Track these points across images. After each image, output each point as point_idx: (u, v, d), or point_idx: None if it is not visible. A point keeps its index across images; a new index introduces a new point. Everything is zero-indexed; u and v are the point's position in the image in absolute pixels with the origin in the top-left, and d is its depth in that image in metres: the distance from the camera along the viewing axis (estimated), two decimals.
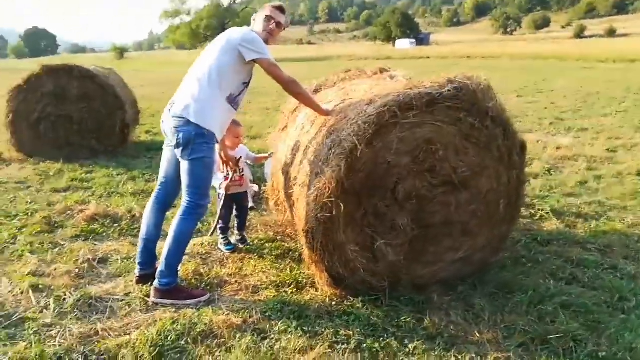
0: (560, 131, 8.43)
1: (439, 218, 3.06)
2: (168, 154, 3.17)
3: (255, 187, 5.09)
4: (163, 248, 3.02)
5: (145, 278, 3.14)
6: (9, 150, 6.68)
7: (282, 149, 3.77)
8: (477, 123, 2.90)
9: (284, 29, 3.35)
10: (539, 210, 4.54)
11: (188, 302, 2.98)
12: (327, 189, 2.72)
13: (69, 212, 4.45)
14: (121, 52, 60.88)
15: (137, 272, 3.18)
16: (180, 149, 2.94)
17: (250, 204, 4.76)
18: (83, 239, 3.89)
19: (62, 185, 5.34)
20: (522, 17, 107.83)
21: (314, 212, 2.80)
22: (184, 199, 3.05)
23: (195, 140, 2.91)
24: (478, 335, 2.68)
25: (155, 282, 3.00)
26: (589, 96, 12.96)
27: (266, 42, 3.12)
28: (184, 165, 2.99)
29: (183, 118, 2.91)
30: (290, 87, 3.10)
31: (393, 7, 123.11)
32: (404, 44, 71.59)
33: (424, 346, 2.56)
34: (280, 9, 3.26)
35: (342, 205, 2.78)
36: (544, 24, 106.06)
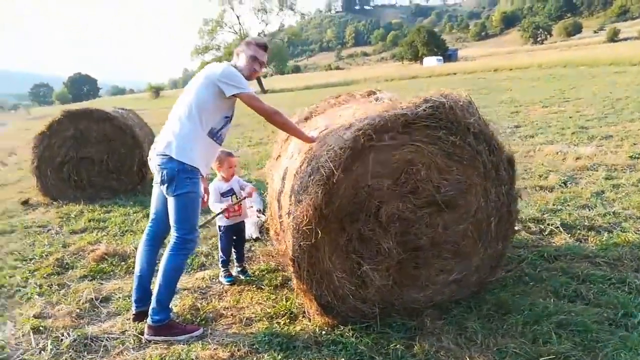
0: (582, 140, 8.16)
1: (426, 240, 3.00)
2: (157, 191, 3.25)
3: (263, 217, 5.16)
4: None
5: (142, 315, 3.19)
6: (36, 195, 7.01)
7: (276, 177, 3.82)
8: (458, 140, 2.87)
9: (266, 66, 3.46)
10: (548, 224, 4.39)
11: (180, 337, 3.01)
12: (306, 217, 2.73)
13: (81, 252, 4.62)
14: (157, 90, 63.11)
15: (133, 309, 3.25)
16: (165, 185, 3.02)
17: (256, 235, 4.82)
18: (90, 278, 4.02)
19: (79, 226, 5.55)
20: (552, 25, 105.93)
21: (297, 240, 2.82)
22: (172, 234, 3.11)
23: (179, 175, 2.98)
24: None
25: (148, 320, 3.05)
26: (617, 102, 12.52)
27: (248, 79, 3.21)
28: (170, 202, 3.06)
29: (166, 155, 3.00)
30: (273, 117, 3.15)
31: (419, 25, 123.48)
32: (431, 62, 71.33)
33: None
34: (265, 48, 3.34)
35: (322, 232, 2.78)
36: (576, 30, 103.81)
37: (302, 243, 2.78)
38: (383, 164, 2.84)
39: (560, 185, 5.60)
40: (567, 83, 19.62)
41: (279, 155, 3.98)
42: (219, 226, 3.84)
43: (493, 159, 2.97)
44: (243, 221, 3.96)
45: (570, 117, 10.78)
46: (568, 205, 4.90)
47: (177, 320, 3.19)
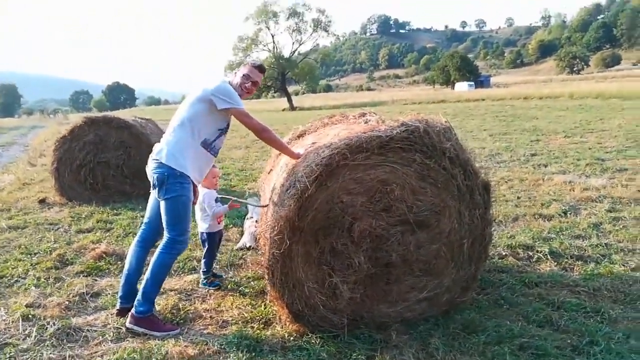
0: (595, 172, 8.06)
1: (397, 257, 3.09)
2: (152, 196, 3.44)
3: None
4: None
5: (125, 312, 3.35)
6: (54, 195, 7.35)
7: (267, 190, 3.97)
8: (432, 164, 2.97)
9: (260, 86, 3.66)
10: (537, 252, 4.40)
11: (156, 333, 3.16)
12: (279, 227, 2.86)
13: (82, 250, 4.84)
14: None
15: (117, 305, 3.41)
16: (157, 189, 3.22)
17: (250, 244, 4.97)
18: (86, 274, 4.22)
19: (87, 226, 5.81)
20: (590, 55, 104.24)
21: (271, 249, 2.95)
22: (164, 235, 3.29)
23: (168, 180, 3.17)
24: None
25: (133, 309, 3.21)
26: None
27: (240, 96, 3.39)
28: (162, 205, 3.25)
29: (157, 160, 3.21)
30: (262, 134, 3.33)
31: (453, 50, 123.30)
32: (463, 87, 71.09)
33: None
34: (260, 69, 3.56)
35: (295, 243, 2.91)
36: (614, 61, 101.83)
37: (275, 252, 2.91)
38: (358, 181, 2.95)
39: (559, 215, 5.57)
40: (595, 114, 19.31)
41: (271, 170, 4.14)
42: (202, 233, 3.99)
43: (468, 183, 3.06)
44: (220, 231, 4.09)
45: (589, 149, 10.65)
46: (562, 234, 4.88)
47: (159, 318, 3.34)
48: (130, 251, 3.46)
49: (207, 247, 3.95)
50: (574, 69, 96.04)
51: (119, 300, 3.41)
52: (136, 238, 3.50)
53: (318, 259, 3.04)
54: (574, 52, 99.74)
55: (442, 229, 3.15)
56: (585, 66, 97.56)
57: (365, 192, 2.99)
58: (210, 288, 3.92)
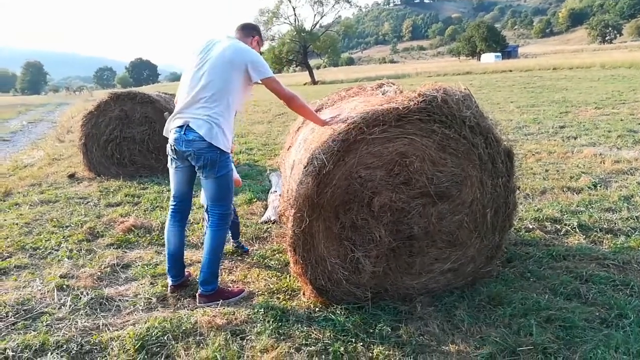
0: (627, 144, 7.82)
1: (419, 229, 3.07)
2: (181, 173, 3.32)
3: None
4: (202, 259, 3.29)
5: (179, 287, 3.43)
6: (82, 170, 7.52)
7: (287, 167, 3.97)
8: (452, 133, 2.91)
9: None
10: (565, 225, 4.32)
11: (231, 300, 3.28)
12: (298, 205, 2.86)
13: (112, 223, 4.97)
14: None
15: (171, 282, 3.42)
16: (206, 169, 3.14)
17: (274, 218, 5.01)
18: (116, 247, 4.34)
19: (116, 200, 5.94)
20: (623, 24, 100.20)
21: (292, 227, 2.96)
22: (212, 212, 3.29)
23: (220, 159, 3.14)
24: (450, 345, 2.68)
25: (200, 290, 3.27)
26: None
27: None
28: (211, 183, 3.19)
29: (204, 141, 3.05)
30: (292, 102, 3.26)
31: (479, 20, 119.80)
32: (489, 58, 69.41)
33: (388, 352, 2.61)
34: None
35: (316, 220, 2.91)
36: None
37: (296, 230, 2.92)
38: (376, 155, 2.92)
39: (589, 188, 5.44)
40: (627, 85, 18.63)
41: (290, 146, 4.12)
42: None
43: (490, 151, 2.99)
44: None
45: (621, 120, 10.32)
46: (592, 207, 4.78)
47: (224, 286, 3.44)
48: (169, 231, 3.40)
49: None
50: (607, 37, 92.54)
51: (171, 279, 3.41)
52: (169, 217, 3.43)
53: (339, 234, 3.04)
54: (607, 20, 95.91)
55: (464, 199, 3.11)
56: (618, 35, 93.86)
57: (384, 166, 2.95)
58: (244, 250, 4.07)
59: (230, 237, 4.16)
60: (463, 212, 3.10)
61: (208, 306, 3.22)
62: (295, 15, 53.81)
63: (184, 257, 3.55)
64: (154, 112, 7.40)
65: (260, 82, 3.20)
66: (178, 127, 3.15)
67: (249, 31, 3.48)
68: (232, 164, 3.36)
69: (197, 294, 3.30)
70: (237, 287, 3.46)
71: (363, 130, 2.81)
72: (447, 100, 2.85)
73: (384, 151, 2.90)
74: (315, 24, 56.27)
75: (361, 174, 2.92)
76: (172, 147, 3.20)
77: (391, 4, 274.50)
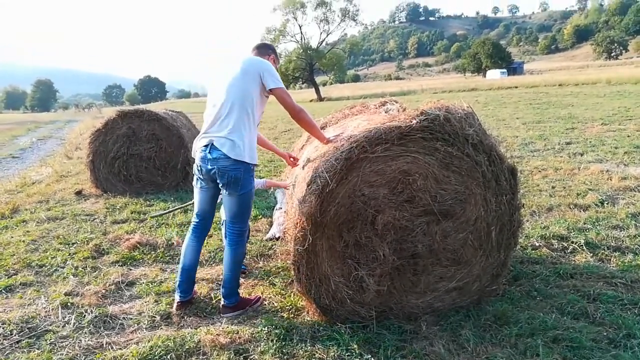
0: (634, 161, 7.78)
1: (423, 248, 3.06)
2: (205, 193, 3.39)
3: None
4: (223, 275, 3.35)
5: (187, 304, 3.43)
6: (89, 187, 7.57)
7: (290, 185, 3.98)
8: (455, 151, 2.92)
9: None
10: (572, 242, 4.29)
11: (250, 309, 3.37)
12: (301, 224, 2.87)
13: (117, 240, 4.98)
14: None
15: (178, 298, 3.41)
16: (230, 187, 3.18)
17: (279, 235, 5.00)
18: (121, 264, 4.34)
19: (122, 217, 5.96)
20: (629, 40, 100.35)
21: (295, 245, 2.95)
22: (230, 228, 3.33)
23: (243, 176, 3.18)
24: None
25: (224, 302, 3.35)
26: None
27: None
28: (233, 200, 3.24)
29: (228, 158, 3.10)
30: (299, 114, 3.28)
31: (484, 37, 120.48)
32: (495, 75, 69.55)
33: None
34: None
35: (319, 238, 2.91)
36: None
37: (299, 248, 2.92)
38: (379, 173, 2.92)
39: (596, 205, 5.41)
40: (634, 101, 18.57)
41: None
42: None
43: (493, 169, 2.99)
44: None
45: (628, 136, 10.27)
46: (599, 224, 4.74)
47: (243, 296, 3.49)
48: (187, 247, 3.43)
49: None
50: (612, 54, 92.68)
51: (179, 295, 3.41)
52: (190, 234, 3.46)
53: (343, 253, 3.03)
54: (612, 37, 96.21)
55: (468, 217, 3.10)
56: (624, 51, 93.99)
57: (387, 184, 2.95)
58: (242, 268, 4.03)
59: None
60: (467, 230, 3.09)
61: (232, 316, 3.30)
62: (301, 33, 54.44)
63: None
64: (161, 129, 7.47)
65: (271, 92, 3.25)
66: (204, 146, 3.22)
67: (264, 50, 3.58)
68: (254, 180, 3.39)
69: (220, 306, 3.37)
70: (254, 296, 3.55)
71: (366, 149, 2.82)
72: (450, 119, 2.86)
73: (387, 169, 2.90)
74: (322, 42, 56.84)
75: (364, 192, 2.92)
76: (199, 167, 3.27)
77: (397, 22, 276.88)
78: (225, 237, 3.52)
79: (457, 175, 2.98)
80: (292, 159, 3.94)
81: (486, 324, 3.01)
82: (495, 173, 3.01)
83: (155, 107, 13.59)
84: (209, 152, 3.16)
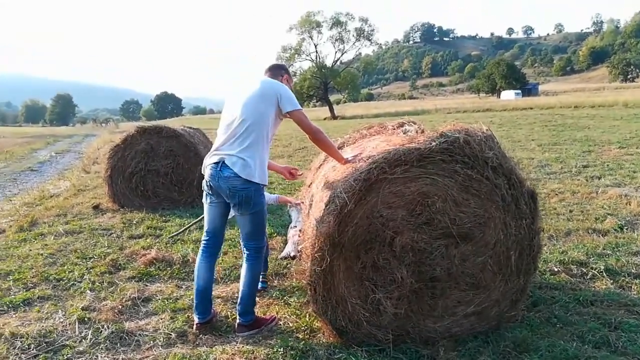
0: None
1: (442, 271, 3.04)
2: (215, 208, 3.39)
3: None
4: (240, 292, 3.35)
5: (206, 325, 3.38)
6: (107, 202, 7.66)
7: (307, 204, 3.99)
8: (475, 174, 2.91)
9: None
10: (592, 268, 4.22)
11: (265, 328, 3.36)
12: (319, 244, 2.87)
13: (134, 255, 5.02)
14: None
15: (197, 320, 3.36)
16: (242, 206, 3.21)
17: (294, 253, 4.99)
18: (137, 279, 4.37)
19: (138, 232, 6.01)
20: None
21: (312, 266, 2.95)
22: (247, 246, 3.37)
23: (254, 195, 3.21)
24: None
25: (240, 321, 3.34)
26: None
27: None
28: (246, 219, 3.28)
29: (239, 177, 3.12)
30: (317, 135, 3.32)
31: (498, 58, 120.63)
32: (509, 95, 69.41)
33: None
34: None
35: (336, 259, 2.91)
36: None
37: (316, 269, 2.92)
38: (397, 195, 2.92)
39: (615, 230, 5.33)
40: None
41: (312, 182, 4.16)
42: None
43: (513, 193, 2.98)
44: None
45: None
46: (618, 250, 4.67)
47: (257, 315, 3.46)
48: (200, 267, 3.40)
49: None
50: (628, 76, 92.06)
51: (197, 317, 3.37)
52: (202, 253, 3.44)
53: (360, 274, 3.02)
54: (629, 59, 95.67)
55: (488, 241, 3.08)
56: None
57: (406, 206, 2.95)
58: (260, 286, 4.02)
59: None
60: (486, 254, 3.07)
61: (248, 335, 3.27)
62: (316, 52, 55.07)
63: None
64: (179, 146, 7.57)
65: (288, 114, 3.29)
66: (214, 163, 3.24)
67: (277, 71, 3.61)
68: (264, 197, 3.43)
69: (236, 324, 3.35)
70: (269, 315, 3.53)
71: (385, 170, 2.83)
72: (469, 141, 2.87)
73: (406, 191, 2.90)
74: (336, 61, 57.39)
75: (383, 214, 2.92)
76: (208, 183, 3.30)
77: (411, 42, 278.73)
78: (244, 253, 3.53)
79: (476, 199, 2.97)
80: (290, 173, 4.01)
81: (505, 350, 2.96)
82: (515, 196, 3.00)
83: (172, 123, 13.75)
84: (220, 170, 3.18)
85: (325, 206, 2.94)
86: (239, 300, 3.36)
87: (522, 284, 3.16)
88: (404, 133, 3.49)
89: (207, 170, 3.31)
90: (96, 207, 7.54)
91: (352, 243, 2.93)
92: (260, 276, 4.13)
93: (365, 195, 2.86)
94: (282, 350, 3.04)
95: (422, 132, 3.39)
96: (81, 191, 9.48)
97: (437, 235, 2.99)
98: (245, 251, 3.40)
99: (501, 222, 3.03)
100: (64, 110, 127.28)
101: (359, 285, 3.02)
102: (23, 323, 3.50)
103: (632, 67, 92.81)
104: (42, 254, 5.11)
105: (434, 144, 2.81)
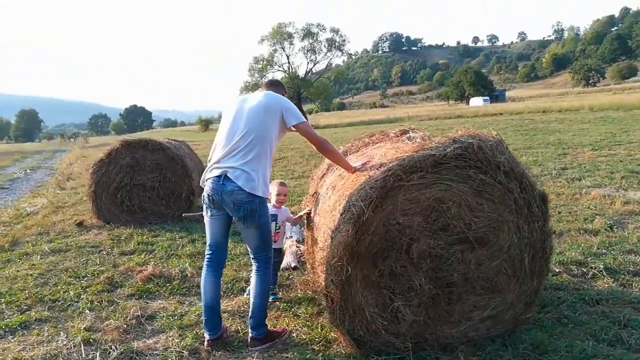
0: (632, 185, 7.93)
1: (458, 276, 3.04)
2: (217, 221, 3.31)
3: (302, 247, 5.30)
4: (251, 304, 3.29)
5: (217, 341, 3.29)
6: (90, 218, 7.44)
7: (312, 213, 3.96)
8: (488, 178, 2.94)
9: None
10: (591, 268, 4.31)
11: (278, 341, 3.30)
12: (337, 254, 2.83)
13: (129, 272, 4.87)
14: (206, 124, 65.29)
15: (208, 337, 3.27)
16: (247, 220, 3.16)
17: (294, 264, 4.94)
18: (137, 297, 4.24)
19: (129, 248, 5.85)
20: (605, 68, 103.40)
21: (329, 275, 2.91)
22: (256, 258, 3.32)
23: (259, 207, 3.18)
24: None
25: (252, 334, 3.27)
26: None
27: None
28: (252, 232, 3.23)
29: (243, 191, 3.08)
30: (324, 146, 3.34)
31: (466, 66, 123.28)
32: (478, 102, 70.94)
33: None
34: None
35: (353, 268, 2.88)
36: (630, 73, 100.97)
37: (334, 279, 2.88)
38: (413, 202, 2.92)
39: (606, 229, 5.46)
40: (619, 126, 19.04)
41: (316, 192, 4.12)
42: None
43: (525, 196, 3.02)
44: (279, 248, 4.13)
45: (620, 161, 10.48)
46: (613, 249, 4.78)
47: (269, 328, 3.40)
48: (206, 283, 3.31)
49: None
50: (590, 81, 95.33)
51: (208, 333, 3.27)
52: (205, 267, 3.37)
53: (377, 282, 3.00)
54: (589, 65, 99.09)
55: (502, 245, 3.11)
56: (601, 78, 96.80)
57: (421, 212, 2.95)
58: (271, 298, 3.98)
59: None
60: (501, 257, 3.09)
61: (262, 349, 3.21)
62: (289, 62, 55.27)
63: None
64: (166, 159, 7.44)
65: (294, 127, 3.27)
66: (216, 177, 3.16)
67: (279, 88, 3.58)
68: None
69: (249, 338, 3.28)
70: (280, 328, 3.48)
71: (401, 177, 2.83)
72: (482, 146, 2.89)
73: (421, 197, 2.91)
74: (309, 71, 57.68)
75: (399, 221, 2.91)
76: (210, 197, 3.21)
77: (380, 51, 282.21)
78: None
79: (490, 203, 2.99)
80: None
81: (525, 352, 2.98)
82: (527, 200, 3.04)
83: (156, 136, 13.51)
84: (223, 184, 3.12)
85: (341, 215, 2.91)
86: (250, 313, 3.30)
87: (535, 286, 3.20)
88: (408, 140, 3.51)
89: (207, 183, 3.25)
90: (80, 224, 7.31)
91: (369, 251, 2.91)
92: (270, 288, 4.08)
93: (382, 202, 2.85)
94: None
95: (428, 138, 3.42)
96: (60, 208, 9.20)
97: (453, 240, 2.99)
98: (254, 263, 3.35)
99: (514, 226, 3.06)
100: (29, 125, 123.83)
101: (377, 294, 3.00)
102: (25, 348, 3.34)
103: (592, 72, 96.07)
104: (31, 275, 4.92)
105: (448, 150, 2.82)
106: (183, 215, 6.63)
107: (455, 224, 2.97)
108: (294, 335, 3.43)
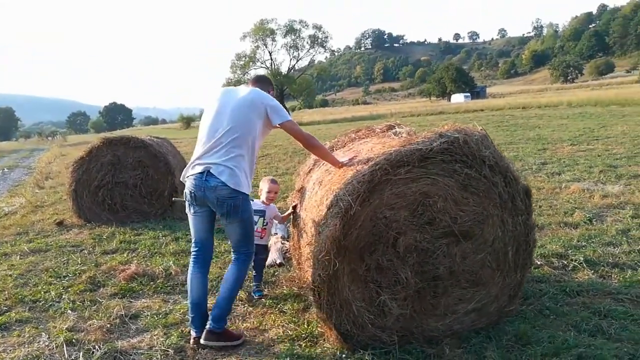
0: (610, 179, 8.08)
1: (444, 269, 3.07)
2: (200, 218, 3.28)
3: (287, 244, 5.28)
4: (220, 295, 3.24)
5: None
6: (71, 217, 7.32)
7: (299, 209, 3.96)
8: (473, 172, 2.97)
9: None
10: (572, 260, 4.39)
11: (234, 343, 3.21)
12: (325, 248, 2.84)
13: (112, 271, 4.81)
14: (188, 122, 64.70)
15: (194, 334, 3.23)
16: (230, 215, 3.15)
17: (279, 260, 4.93)
18: (120, 296, 4.18)
19: (111, 247, 5.77)
20: (583, 64, 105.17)
21: (316, 270, 2.92)
22: (238, 252, 3.30)
23: (242, 203, 3.16)
24: None
25: (209, 326, 3.16)
26: None
27: None
28: (235, 227, 3.22)
29: (227, 187, 3.07)
30: (310, 142, 3.35)
31: (447, 62, 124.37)
32: (459, 99, 71.61)
33: None
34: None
35: (341, 262, 2.88)
36: (608, 69, 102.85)
37: (321, 273, 2.88)
38: (400, 196, 2.93)
39: (585, 222, 5.57)
40: (596, 122, 19.40)
41: (302, 187, 4.12)
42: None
43: (509, 190, 3.06)
44: (265, 245, 4.12)
45: (598, 156, 10.68)
46: (592, 242, 4.87)
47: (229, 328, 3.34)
48: (193, 280, 3.28)
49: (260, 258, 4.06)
50: (568, 77, 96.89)
51: (194, 330, 3.25)
52: (191, 264, 3.34)
53: (364, 276, 3.01)
54: (568, 61, 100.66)
55: (487, 238, 3.15)
56: (579, 74, 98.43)
57: (408, 206, 2.97)
58: (255, 297, 4.02)
59: (253, 278, 4.13)
60: (485, 250, 3.13)
61: (213, 345, 3.14)
62: (271, 59, 55.04)
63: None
64: (148, 156, 7.33)
65: (279, 125, 3.26)
66: (198, 173, 3.13)
67: (265, 85, 3.56)
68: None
69: (205, 330, 3.17)
70: (238, 331, 3.38)
71: (388, 171, 2.84)
72: (468, 141, 2.92)
73: (408, 191, 2.92)
74: (291, 68, 57.53)
75: (386, 215, 2.93)
76: (192, 193, 3.17)
77: (362, 48, 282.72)
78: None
79: (475, 197, 3.02)
80: None
81: (509, 344, 3.02)
82: (511, 194, 3.08)
83: (138, 133, 13.32)
84: (206, 180, 3.09)
85: (328, 209, 2.91)
86: (216, 303, 3.23)
87: (519, 279, 3.25)
88: (395, 135, 3.52)
89: (189, 180, 3.21)
90: (60, 223, 7.18)
91: (355, 245, 2.92)
92: (255, 285, 4.07)
93: (369, 197, 2.86)
94: (287, 359, 2.98)
95: (414, 133, 3.43)
96: (39, 207, 9.03)
97: (439, 234, 3.02)
98: (234, 256, 3.32)
99: (499, 219, 3.10)
100: (5, 124, 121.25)
101: (364, 288, 3.01)
102: (5, 349, 3.28)
103: (571, 68, 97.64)
104: (10, 275, 4.82)
105: (434, 144, 2.84)
106: (172, 199, 6.57)
107: (441, 218, 2.99)
108: (281, 331, 3.42)
